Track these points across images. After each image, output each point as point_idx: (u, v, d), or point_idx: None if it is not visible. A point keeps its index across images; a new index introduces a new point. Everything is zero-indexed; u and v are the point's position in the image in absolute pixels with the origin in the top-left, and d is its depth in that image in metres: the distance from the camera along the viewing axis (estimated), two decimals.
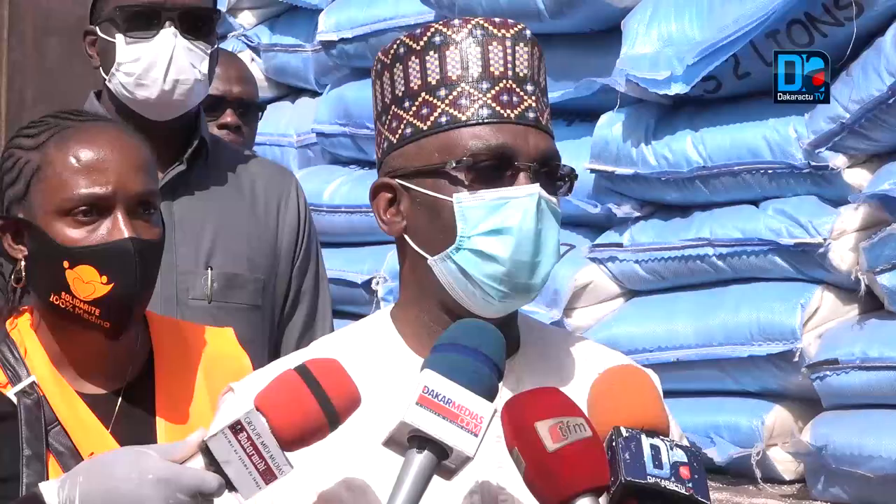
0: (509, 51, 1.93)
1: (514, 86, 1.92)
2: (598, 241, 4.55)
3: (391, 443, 1.73)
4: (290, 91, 5.99)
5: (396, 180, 1.93)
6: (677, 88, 4.21)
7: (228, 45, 5.84)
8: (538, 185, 1.89)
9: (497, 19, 1.96)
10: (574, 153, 4.49)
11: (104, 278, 2.19)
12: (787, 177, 4.16)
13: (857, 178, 4.08)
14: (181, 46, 3.01)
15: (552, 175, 1.93)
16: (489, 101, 1.90)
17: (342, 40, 5.39)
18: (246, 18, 6.04)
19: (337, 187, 5.30)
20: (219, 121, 3.79)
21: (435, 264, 1.91)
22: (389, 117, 1.95)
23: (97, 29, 3.08)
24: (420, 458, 1.71)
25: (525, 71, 1.94)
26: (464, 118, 1.90)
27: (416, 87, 1.93)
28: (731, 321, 4.19)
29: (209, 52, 3.06)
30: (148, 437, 2.26)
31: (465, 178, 1.88)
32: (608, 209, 4.51)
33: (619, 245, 4.47)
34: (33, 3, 7.68)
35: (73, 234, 2.20)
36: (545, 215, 1.89)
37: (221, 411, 1.95)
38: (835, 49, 4.03)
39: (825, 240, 4.04)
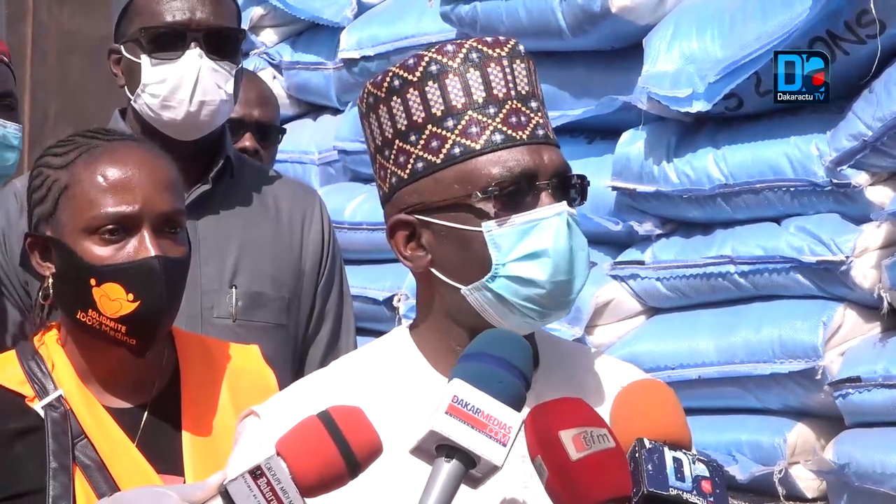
0: (508, 70, 1.92)
1: (519, 105, 1.91)
2: (620, 258, 4.54)
3: (418, 451, 1.74)
4: (312, 108, 6.00)
5: (415, 216, 1.92)
6: (699, 106, 4.20)
7: (250, 62, 5.86)
8: (564, 202, 1.89)
9: (489, 39, 1.94)
10: (595, 171, 4.49)
11: (130, 296, 2.21)
12: (809, 194, 4.14)
13: (880, 195, 4.07)
14: (207, 67, 3.02)
15: (567, 187, 1.93)
16: (499, 126, 1.89)
17: (364, 58, 5.40)
18: (268, 36, 6.05)
19: (358, 205, 5.30)
20: (237, 144, 3.73)
21: (469, 293, 1.90)
22: (394, 152, 1.93)
23: (122, 48, 3.08)
24: (448, 467, 1.72)
25: (526, 88, 1.93)
26: (478, 147, 1.89)
27: (420, 120, 1.91)
28: (753, 339, 4.18)
29: (234, 71, 3.07)
30: (173, 450, 2.28)
31: (493, 207, 1.87)
32: (630, 227, 4.50)
33: (641, 262, 4.46)
34: (56, 22, 7.73)
35: (101, 251, 2.22)
36: (574, 231, 1.89)
37: (244, 436, 1.95)
38: (857, 67, 4.02)
39: (847, 257, 4.03)
